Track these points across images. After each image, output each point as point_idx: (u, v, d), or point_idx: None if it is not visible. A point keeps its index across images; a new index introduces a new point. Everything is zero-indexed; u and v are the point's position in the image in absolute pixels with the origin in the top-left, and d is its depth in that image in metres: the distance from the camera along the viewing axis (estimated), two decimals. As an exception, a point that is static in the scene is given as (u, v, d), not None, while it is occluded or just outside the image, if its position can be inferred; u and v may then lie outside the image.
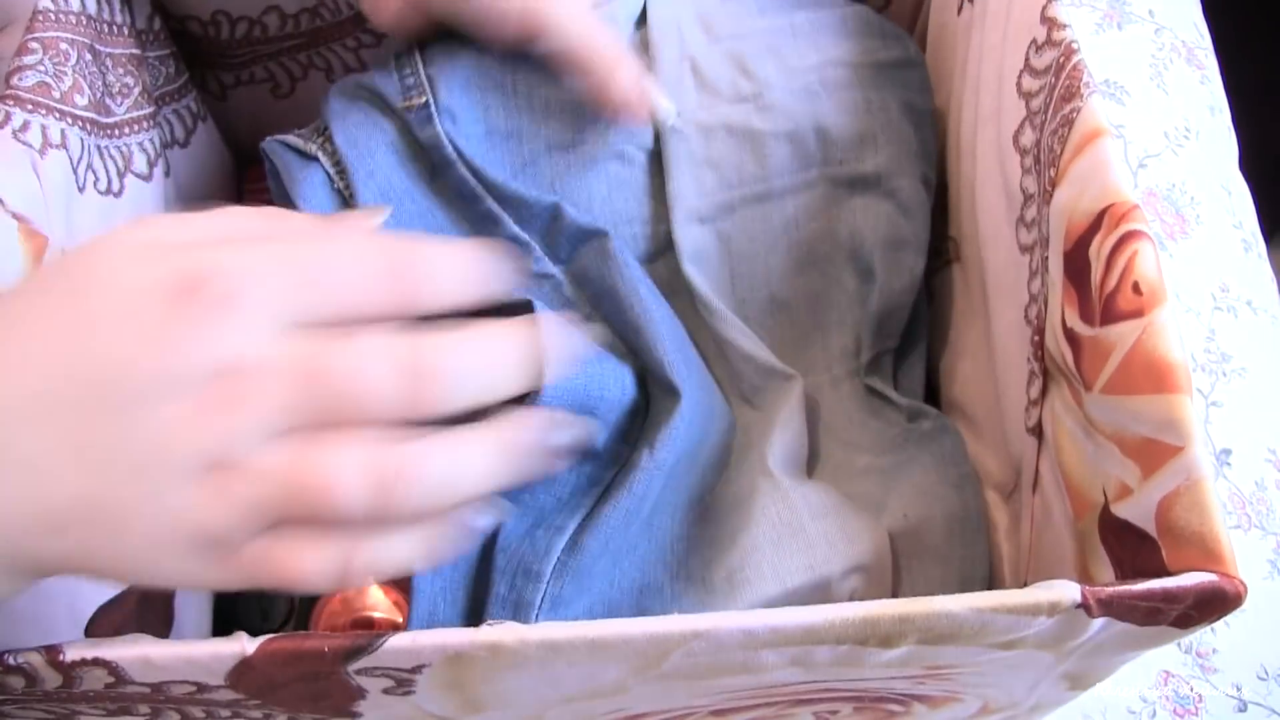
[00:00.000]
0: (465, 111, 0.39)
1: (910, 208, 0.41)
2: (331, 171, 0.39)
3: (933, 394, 0.44)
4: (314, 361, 0.24)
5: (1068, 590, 0.22)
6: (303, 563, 0.24)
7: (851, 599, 0.36)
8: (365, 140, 0.39)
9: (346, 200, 0.39)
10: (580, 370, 0.35)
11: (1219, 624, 0.43)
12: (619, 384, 0.36)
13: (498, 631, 0.23)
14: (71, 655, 0.24)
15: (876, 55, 0.42)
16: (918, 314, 0.43)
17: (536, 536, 0.35)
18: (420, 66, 0.40)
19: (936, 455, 0.40)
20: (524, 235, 0.40)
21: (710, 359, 0.41)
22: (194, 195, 0.48)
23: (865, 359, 0.42)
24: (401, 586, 0.41)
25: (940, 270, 0.43)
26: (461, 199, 0.39)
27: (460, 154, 0.39)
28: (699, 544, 0.38)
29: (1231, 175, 0.53)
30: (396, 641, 0.23)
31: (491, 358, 0.25)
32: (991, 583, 0.38)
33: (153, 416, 0.23)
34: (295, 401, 0.24)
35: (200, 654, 0.24)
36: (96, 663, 0.24)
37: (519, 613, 0.34)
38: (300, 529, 0.24)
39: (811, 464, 0.41)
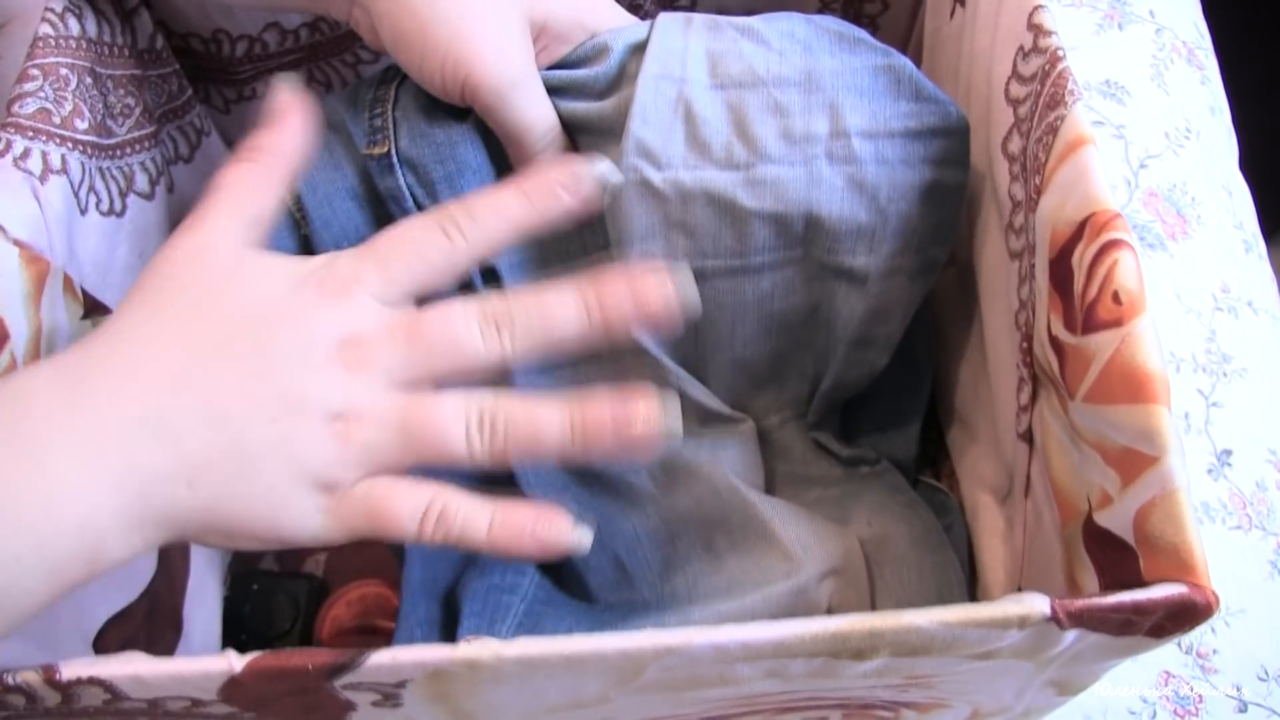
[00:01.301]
0: (429, 155, 0.38)
1: (890, 309, 0.38)
2: (296, 215, 0.39)
3: (932, 396, 0.44)
4: (416, 322, 0.29)
5: (1037, 603, 0.22)
6: (399, 503, 0.28)
7: (830, 603, 0.36)
8: (325, 186, 0.38)
9: (307, 242, 0.39)
10: None
11: (1219, 624, 0.43)
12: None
13: (475, 648, 0.23)
14: (67, 674, 0.25)
15: (906, 123, 0.36)
16: (920, 350, 0.42)
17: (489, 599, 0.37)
18: (390, 108, 0.38)
19: (882, 487, 0.40)
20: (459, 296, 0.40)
21: (659, 385, 0.40)
22: (198, 210, 0.48)
23: (813, 420, 0.42)
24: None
25: (940, 274, 0.43)
26: None
27: (420, 207, 0.38)
28: (672, 557, 0.38)
29: (1232, 175, 0.53)
30: (377, 659, 0.24)
31: (552, 302, 0.30)
32: (984, 584, 0.39)
33: (287, 375, 0.28)
34: (404, 356, 0.29)
35: (190, 672, 0.24)
36: (92, 681, 0.25)
37: (493, 626, 0.35)
38: (398, 477, 0.28)
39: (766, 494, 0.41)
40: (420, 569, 0.40)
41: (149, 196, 0.43)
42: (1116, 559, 0.26)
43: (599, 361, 0.42)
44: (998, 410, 0.37)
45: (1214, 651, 0.43)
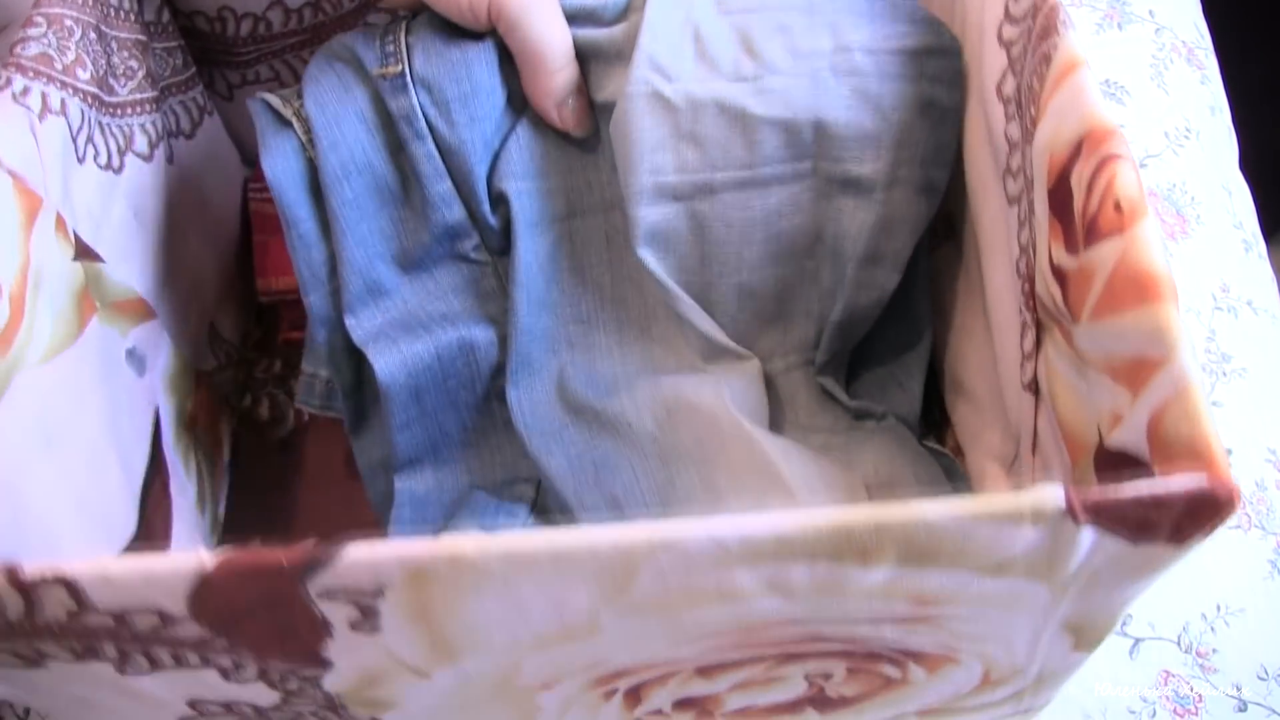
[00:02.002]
0: (444, 74, 0.38)
1: (897, 222, 0.38)
2: (304, 139, 0.39)
3: (934, 373, 0.43)
4: None
5: (1052, 493, 0.21)
6: None
7: None
8: (334, 106, 0.38)
9: (313, 166, 0.39)
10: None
11: (1219, 624, 0.42)
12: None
13: (459, 541, 0.22)
14: (31, 573, 0.24)
15: (903, 42, 0.38)
16: (920, 304, 0.42)
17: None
18: (402, 35, 0.39)
19: (888, 439, 0.40)
20: (467, 222, 0.40)
21: (661, 322, 0.41)
22: (198, 187, 0.48)
23: (821, 360, 0.41)
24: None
25: (937, 249, 0.43)
26: (420, 177, 0.39)
27: (432, 128, 0.38)
28: (669, 497, 0.37)
29: (1231, 175, 0.53)
30: (355, 553, 0.23)
31: None
32: None
33: None
34: None
35: (159, 569, 0.23)
36: (57, 580, 0.24)
37: None
38: None
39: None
40: (410, 512, 0.40)
41: (148, 158, 0.43)
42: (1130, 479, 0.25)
43: (599, 286, 0.41)
44: (1002, 371, 0.37)
45: (1214, 651, 0.42)
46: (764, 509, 0.35)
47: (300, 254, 0.39)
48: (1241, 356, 0.48)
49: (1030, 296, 0.32)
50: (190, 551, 0.23)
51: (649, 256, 0.39)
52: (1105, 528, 0.22)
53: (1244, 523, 0.44)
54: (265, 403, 0.52)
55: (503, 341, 0.40)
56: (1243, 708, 0.41)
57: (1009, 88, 0.33)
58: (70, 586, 0.24)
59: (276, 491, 0.49)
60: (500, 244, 0.40)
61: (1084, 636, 0.28)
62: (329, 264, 0.39)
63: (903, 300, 0.40)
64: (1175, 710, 0.41)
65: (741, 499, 0.36)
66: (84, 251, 0.37)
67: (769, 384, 0.41)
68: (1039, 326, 0.32)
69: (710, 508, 0.37)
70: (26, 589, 0.24)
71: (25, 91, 0.35)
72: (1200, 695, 0.41)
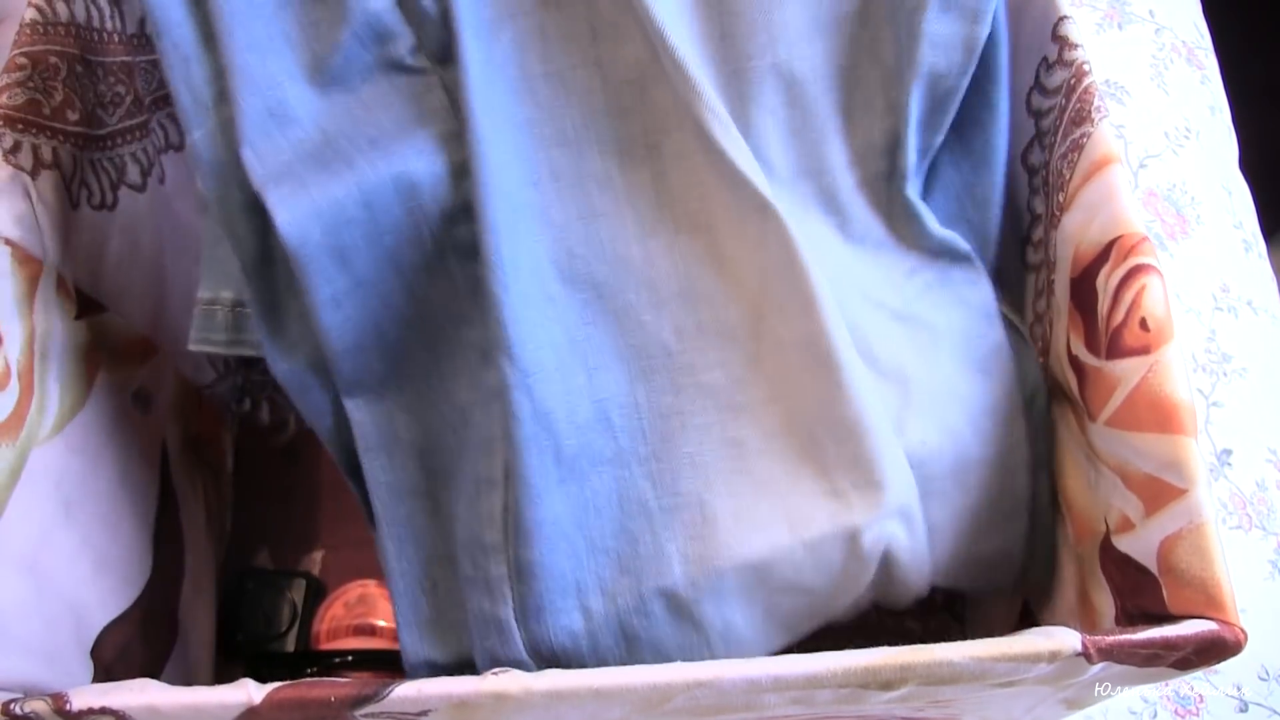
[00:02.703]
0: None
1: None
2: None
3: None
4: None
5: (1068, 639, 0.22)
6: None
7: (888, 551, 0.30)
8: None
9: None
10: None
11: None
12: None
13: (503, 681, 0.23)
14: (78, 704, 0.24)
15: None
16: (998, 105, 0.33)
17: (479, 498, 0.30)
18: None
19: (962, 326, 0.32)
20: (395, 13, 0.31)
21: (674, 136, 0.31)
22: (189, 197, 0.47)
23: (905, 163, 0.32)
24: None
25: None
26: None
27: None
28: (673, 435, 0.31)
29: (1231, 175, 0.53)
30: (403, 691, 0.23)
31: None
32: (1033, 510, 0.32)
33: None
34: None
35: (207, 702, 0.24)
36: (104, 711, 0.24)
37: (490, 590, 0.30)
38: None
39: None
40: (385, 462, 0.33)
41: (140, 188, 0.42)
42: (1137, 584, 0.27)
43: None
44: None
45: (1212, 651, 0.43)
46: (796, 500, 0.29)
47: (176, 71, 0.30)
48: (1241, 356, 0.49)
49: (1043, 368, 0.32)
50: (237, 686, 0.24)
51: (660, 15, 0.29)
52: (1115, 662, 0.23)
53: (1244, 523, 0.45)
54: (265, 407, 0.52)
55: (457, 174, 0.30)
56: (1244, 708, 0.42)
57: (1035, 159, 0.33)
58: (117, 715, 0.25)
59: (282, 501, 0.49)
60: (447, 45, 0.31)
61: (1078, 705, 0.30)
62: (216, 84, 0.30)
63: (977, 99, 0.32)
64: (1176, 710, 0.42)
65: (769, 465, 0.29)
66: (86, 306, 0.37)
67: (829, 209, 0.32)
68: (1050, 395, 0.33)
69: (732, 464, 0.30)
70: (73, 717, 0.25)
71: (16, 148, 0.34)
72: (1201, 695, 0.42)
